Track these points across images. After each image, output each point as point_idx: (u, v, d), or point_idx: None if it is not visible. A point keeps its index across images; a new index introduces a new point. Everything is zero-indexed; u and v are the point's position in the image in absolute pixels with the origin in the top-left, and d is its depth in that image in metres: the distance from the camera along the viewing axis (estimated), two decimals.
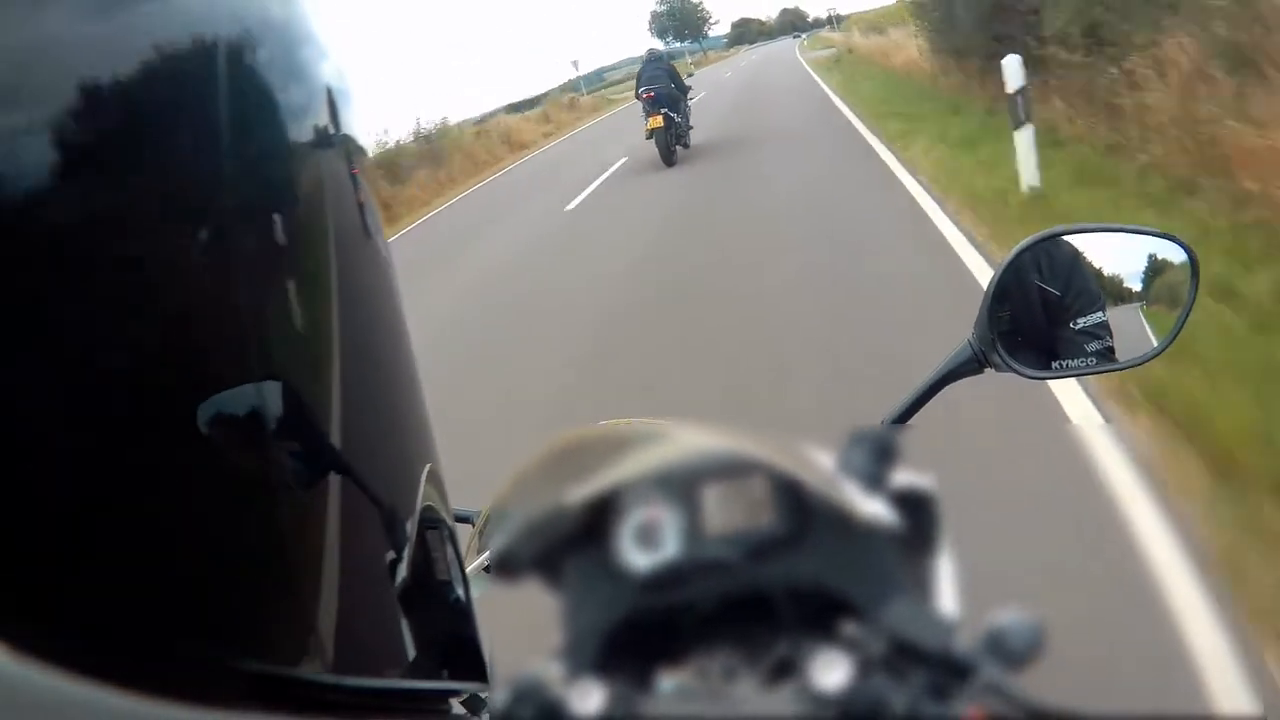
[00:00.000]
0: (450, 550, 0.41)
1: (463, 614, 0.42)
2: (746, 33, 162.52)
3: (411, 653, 0.36)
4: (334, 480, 0.32)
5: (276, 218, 0.30)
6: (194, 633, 0.24)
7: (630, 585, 0.38)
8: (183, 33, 0.27)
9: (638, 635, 0.38)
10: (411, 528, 0.37)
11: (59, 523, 0.21)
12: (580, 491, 0.38)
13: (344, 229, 0.35)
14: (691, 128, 10.64)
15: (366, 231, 0.37)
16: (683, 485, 0.38)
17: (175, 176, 0.25)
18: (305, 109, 0.33)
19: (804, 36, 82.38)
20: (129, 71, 0.24)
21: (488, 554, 0.42)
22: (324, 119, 0.34)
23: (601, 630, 0.38)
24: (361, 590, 0.34)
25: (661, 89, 9.75)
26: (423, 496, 0.38)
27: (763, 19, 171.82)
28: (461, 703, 0.43)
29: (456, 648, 0.42)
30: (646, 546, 0.37)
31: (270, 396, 0.28)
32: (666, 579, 0.38)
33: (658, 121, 9.60)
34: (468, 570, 0.40)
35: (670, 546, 0.38)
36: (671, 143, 9.84)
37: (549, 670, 0.37)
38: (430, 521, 0.39)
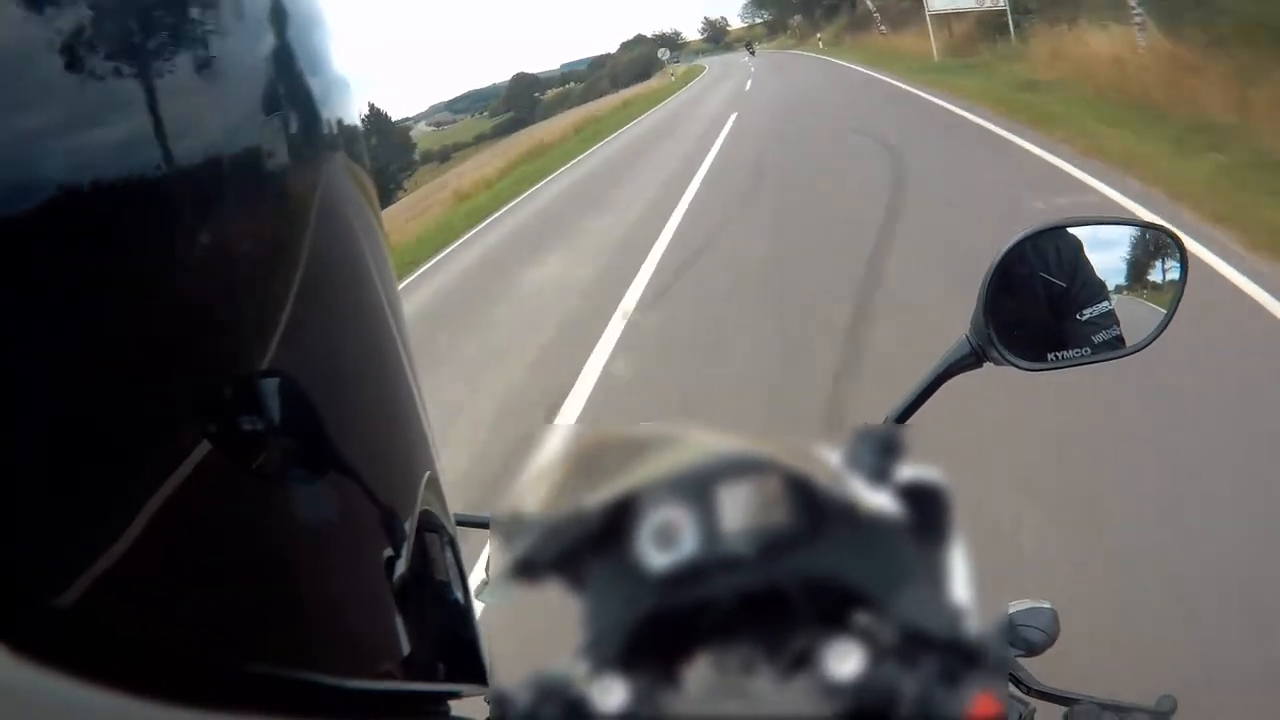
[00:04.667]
0: (450, 555, 0.42)
1: (461, 616, 0.42)
2: (521, 97, 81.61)
3: (406, 648, 0.36)
4: (333, 478, 0.32)
5: (278, 216, 0.30)
6: (192, 626, 0.24)
7: (650, 584, 0.38)
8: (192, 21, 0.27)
9: (658, 632, 0.38)
10: (410, 528, 0.37)
11: (58, 524, 0.21)
12: (599, 495, 0.39)
13: (347, 228, 0.35)
14: (754, 54, 49.46)
15: (369, 232, 0.37)
16: (698, 487, 0.39)
17: (176, 170, 0.25)
18: (310, 102, 0.32)
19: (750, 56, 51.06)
20: (131, 63, 0.24)
21: (508, 559, 0.42)
22: (328, 113, 0.33)
23: (623, 628, 0.38)
24: (357, 584, 0.34)
25: (753, 48, 55.06)
26: (421, 501, 0.39)
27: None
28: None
29: (454, 648, 0.42)
30: (665, 546, 0.38)
31: (268, 392, 0.28)
32: (685, 577, 0.38)
33: (752, 50, 53.09)
34: (490, 575, 0.40)
35: (688, 545, 0.38)
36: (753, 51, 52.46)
37: (574, 668, 0.37)
38: (429, 526, 0.39)
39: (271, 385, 0.28)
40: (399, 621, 0.36)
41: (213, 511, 0.26)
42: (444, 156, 72.40)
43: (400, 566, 0.36)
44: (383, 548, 0.35)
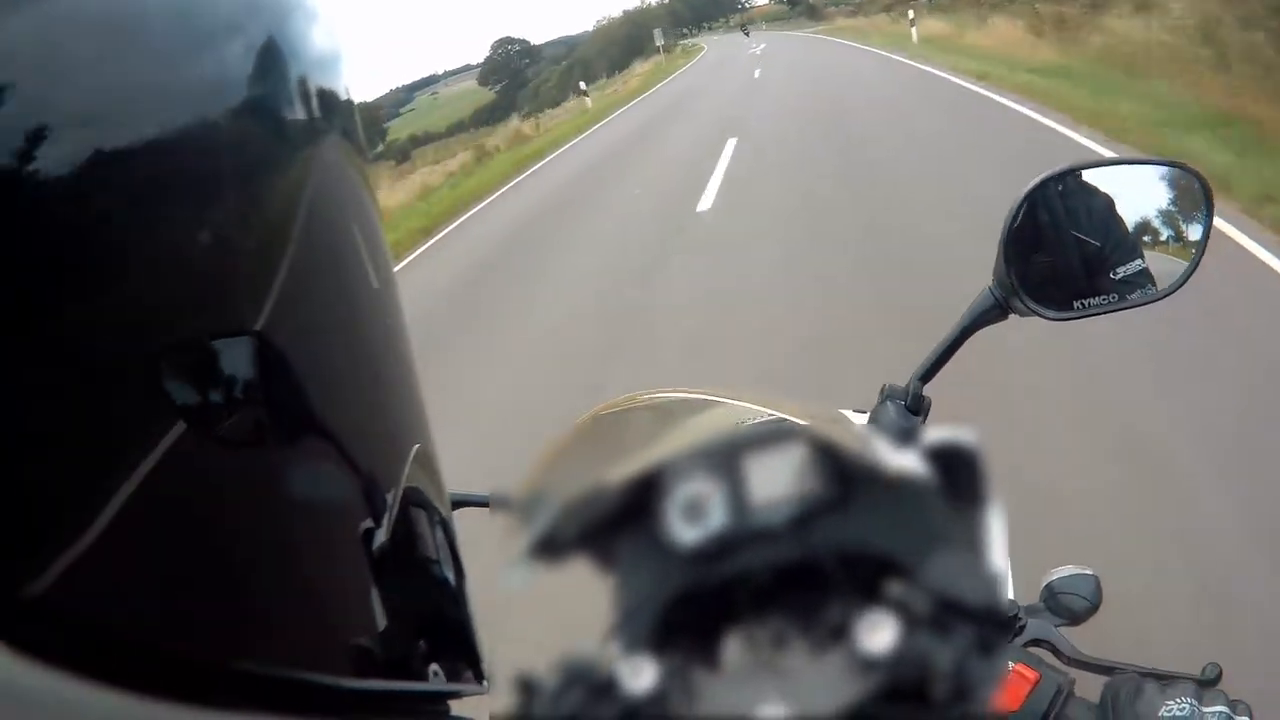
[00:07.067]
0: (440, 534, 0.41)
1: (450, 596, 0.42)
2: (504, 72, 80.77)
3: (383, 621, 0.36)
4: (310, 444, 0.32)
5: (268, 192, 0.30)
6: (166, 614, 0.24)
7: (679, 559, 0.37)
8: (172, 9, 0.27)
9: (690, 609, 0.37)
10: (393, 500, 0.37)
11: (56, 523, 0.21)
12: (622, 469, 0.38)
13: (338, 205, 0.35)
14: (749, 35, 57.33)
15: (361, 208, 0.37)
16: (725, 457, 0.37)
17: (165, 139, 0.25)
18: (298, 77, 0.32)
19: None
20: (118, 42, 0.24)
21: (529, 538, 0.41)
22: (317, 87, 0.33)
23: (653, 606, 0.37)
24: (333, 558, 0.34)
25: (750, 27, 70.32)
26: (408, 475, 0.38)
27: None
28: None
29: (440, 628, 0.41)
30: (693, 520, 0.37)
31: (245, 353, 0.28)
32: (715, 550, 0.37)
33: (747, 31, 63.96)
34: (511, 555, 0.40)
35: (717, 518, 0.37)
36: (749, 32, 63.82)
37: (605, 649, 0.36)
38: (417, 502, 0.39)
39: (248, 347, 0.28)
40: (375, 597, 0.35)
41: (186, 490, 0.25)
42: (404, 155, 43.69)
43: (380, 538, 0.35)
44: (360, 520, 0.35)
